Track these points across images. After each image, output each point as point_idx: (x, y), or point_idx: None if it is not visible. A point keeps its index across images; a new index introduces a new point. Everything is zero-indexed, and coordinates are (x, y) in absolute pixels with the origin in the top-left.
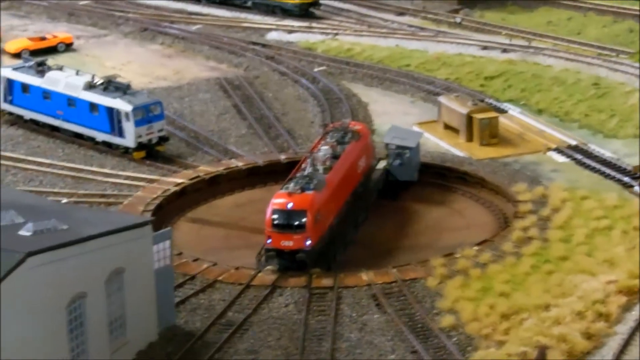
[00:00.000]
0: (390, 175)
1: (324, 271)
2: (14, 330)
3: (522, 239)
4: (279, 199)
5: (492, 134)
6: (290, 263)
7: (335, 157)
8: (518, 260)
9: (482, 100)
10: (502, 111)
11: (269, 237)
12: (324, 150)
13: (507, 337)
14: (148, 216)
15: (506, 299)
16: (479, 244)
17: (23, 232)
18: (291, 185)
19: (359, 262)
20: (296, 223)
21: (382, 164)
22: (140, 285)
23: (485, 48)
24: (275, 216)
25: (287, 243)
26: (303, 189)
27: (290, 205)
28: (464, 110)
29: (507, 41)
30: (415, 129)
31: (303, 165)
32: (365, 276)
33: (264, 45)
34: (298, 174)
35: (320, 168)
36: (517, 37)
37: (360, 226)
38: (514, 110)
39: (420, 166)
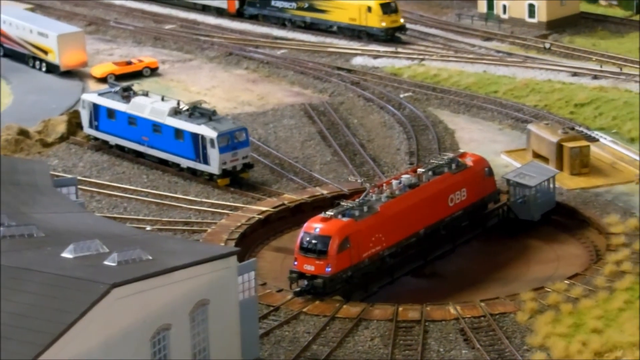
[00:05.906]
0: (511, 212)
1: (345, 300)
2: None
3: (615, 273)
4: (312, 223)
5: (583, 163)
6: (309, 288)
7: (411, 186)
8: (611, 295)
9: (572, 129)
10: (593, 139)
11: (296, 259)
12: (404, 178)
13: None
14: (233, 246)
15: (599, 335)
16: (570, 277)
17: (108, 263)
18: (335, 210)
19: (445, 295)
20: (320, 248)
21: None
22: (225, 317)
23: (575, 74)
24: (303, 239)
25: (309, 267)
26: (344, 215)
27: (317, 230)
28: (554, 139)
29: (597, 67)
30: (505, 156)
31: (371, 192)
32: (452, 310)
33: (349, 71)
34: (354, 201)
35: (383, 196)
36: (608, 63)
37: (435, 260)
38: (605, 139)
39: (554, 206)
